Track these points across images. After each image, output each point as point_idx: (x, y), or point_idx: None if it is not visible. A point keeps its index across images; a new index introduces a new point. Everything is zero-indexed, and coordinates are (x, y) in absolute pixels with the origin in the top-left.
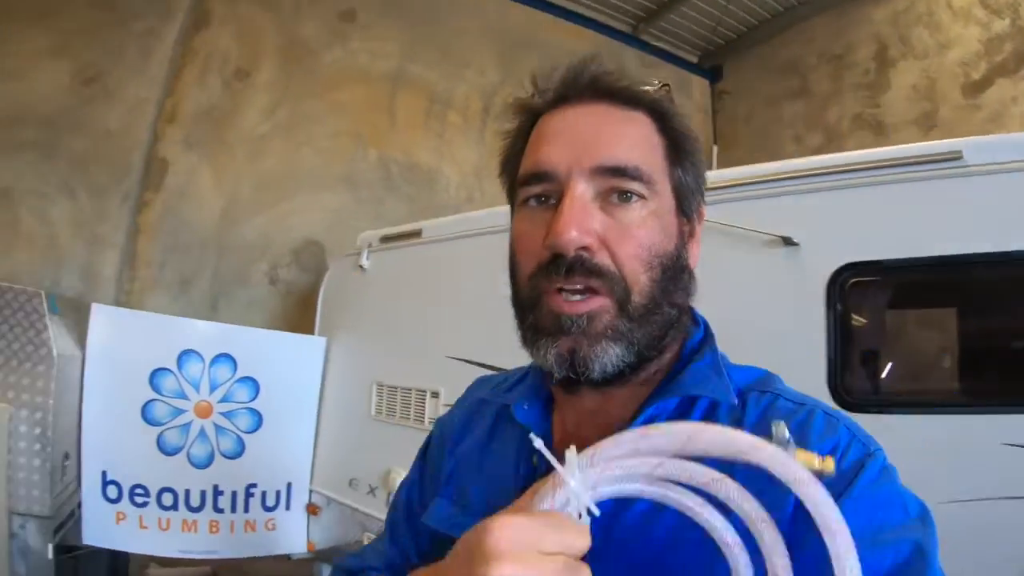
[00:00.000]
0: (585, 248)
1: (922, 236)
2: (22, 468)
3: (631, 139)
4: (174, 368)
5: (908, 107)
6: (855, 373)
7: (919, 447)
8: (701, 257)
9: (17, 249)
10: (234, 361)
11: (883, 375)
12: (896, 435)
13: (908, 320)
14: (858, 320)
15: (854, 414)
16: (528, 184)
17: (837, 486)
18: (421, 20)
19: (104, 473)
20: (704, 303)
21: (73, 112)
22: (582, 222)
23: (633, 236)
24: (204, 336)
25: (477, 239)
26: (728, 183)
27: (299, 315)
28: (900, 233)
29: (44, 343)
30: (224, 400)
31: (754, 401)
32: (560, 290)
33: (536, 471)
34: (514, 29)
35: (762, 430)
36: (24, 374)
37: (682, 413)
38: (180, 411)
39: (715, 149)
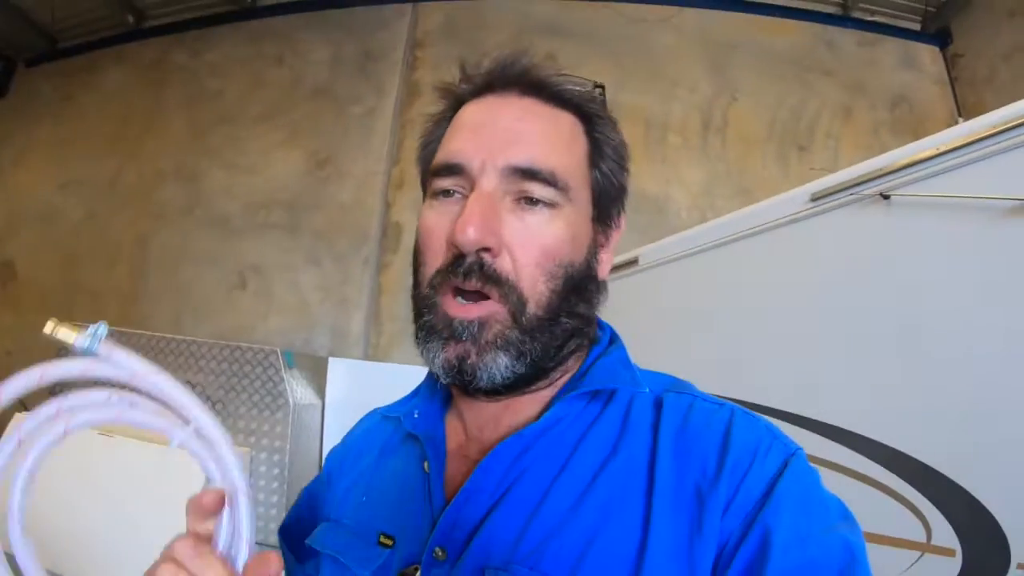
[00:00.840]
0: (487, 250)
1: None
2: (261, 504)
3: (552, 140)
4: None
5: None
6: None
7: None
8: (930, 248)
9: (273, 315)
10: None
11: None
12: None
13: None
14: None
15: None
16: (439, 175)
17: (760, 487)
18: (622, 49)
19: None
20: (943, 306)
21: (311, 193)
22: (486, 222)
23: (537, 243)
24: None
25: (703, 256)
26: (949, 146)
27: None
28: None
29: (281, 394)
30: None
31: (672, 402)
32: (456, 291)
33: (428, 477)
34: (717, 37)
35: (685, 432)
36: (264, 421)
37: (594, 410)
38: None
39: (959, 122)
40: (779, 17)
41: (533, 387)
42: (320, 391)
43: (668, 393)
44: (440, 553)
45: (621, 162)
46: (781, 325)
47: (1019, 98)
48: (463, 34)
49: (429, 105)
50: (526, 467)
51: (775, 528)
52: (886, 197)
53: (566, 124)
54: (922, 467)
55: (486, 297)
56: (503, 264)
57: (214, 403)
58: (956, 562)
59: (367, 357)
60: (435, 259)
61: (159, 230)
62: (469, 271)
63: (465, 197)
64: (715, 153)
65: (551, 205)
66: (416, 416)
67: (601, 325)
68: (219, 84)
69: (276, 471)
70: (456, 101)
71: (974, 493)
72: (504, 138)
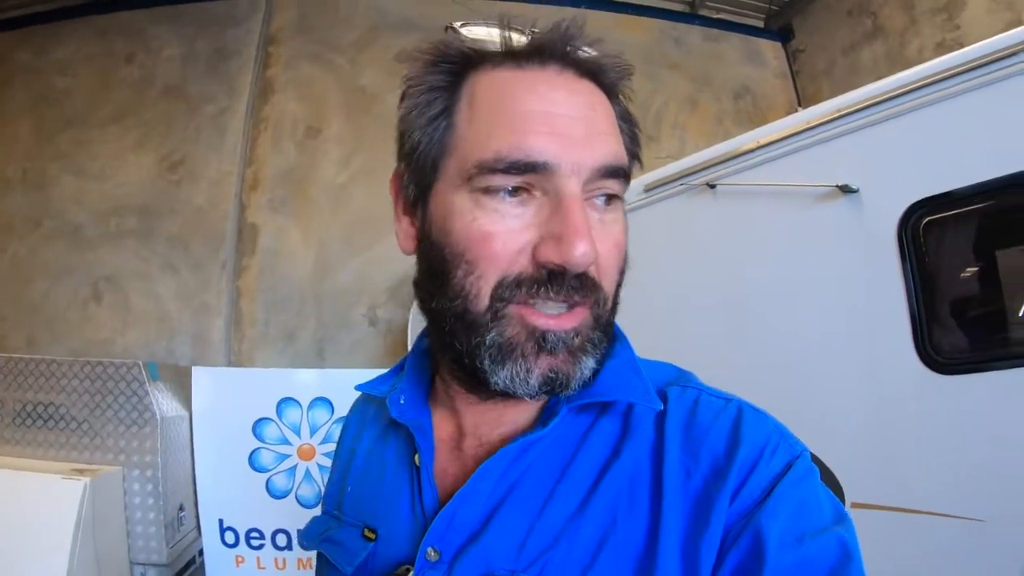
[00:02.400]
0: None
1: (1006, 151)
2: (139, 522)
3: (615, 129)
4: (274, 417)
5: (991, 22)
6: (945, 328)
7: None
8: (749, 230)
9: (130, 327)
10: (331, 404)
11: (983, 326)
12: (1007, 394)
13: (1009, 257)
14: (941, 266)
15: (949, 376)
16: (504, 171)
17: (762, 485)
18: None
19: (221, 521)
20: (762, 279)
21: (164, 196)
22: (591, 236)
23: (616, 243)
24: (299, 383)
25: None
26: (769, 139)
27: (402, 351)
28: (978, 153)
29: (147, 408)
30: (325, 441)
31: (676, 397)
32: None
33: (419, 472)
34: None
35: (692, 428)
36: (132, 437)
37: (592, 419)
38: (284, 456)
39: (799, 111)
40: (633, 14)
41: None
42: (186, 402)
43: (671, 387)
44: (433, 554)
45: (635, 137)
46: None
47: (853, 85)
48: (317, 31)
49: (290, 103)
50: (525, 469)
51: (771, 527)
52: (712, 187)
53: (607, 105)
54: None
55: (574, 305)
56: (593, 271)
57: (79, 423)
58: None
59: (230, 364)
60: (497, 268)
61: (5, 243)
62: (578, 287)
63: (536, 198)
64: None
65: (620, 200)
66: (402, 402)
67: None
68: (67, 83)
69: (150, 487)
70: (462, 63)
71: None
72: (589, 131)
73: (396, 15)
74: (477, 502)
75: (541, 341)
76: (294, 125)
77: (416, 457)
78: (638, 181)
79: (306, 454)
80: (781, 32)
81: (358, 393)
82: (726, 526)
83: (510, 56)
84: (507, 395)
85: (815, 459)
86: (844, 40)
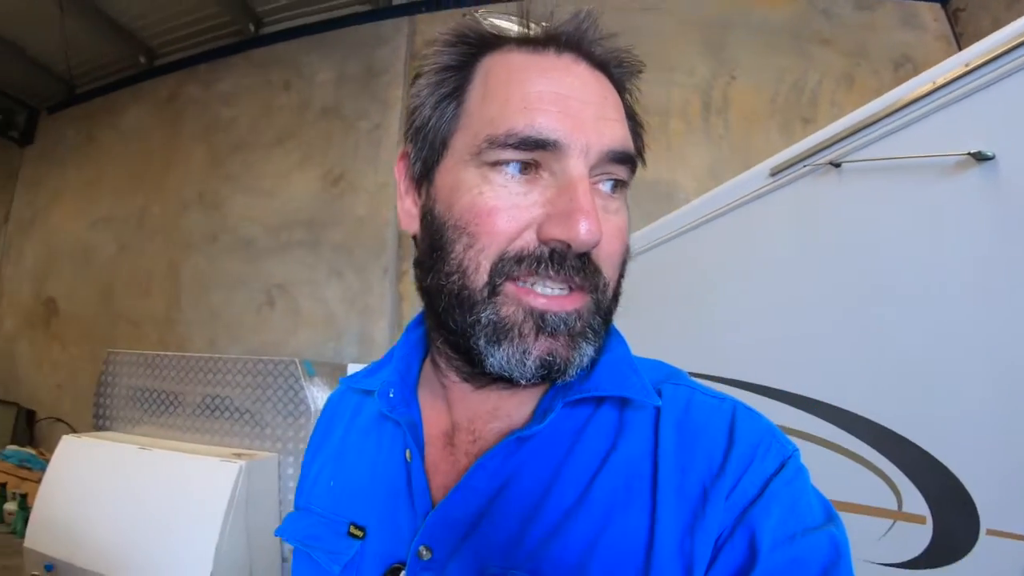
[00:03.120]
0: None
1: None
2: (291, 504)
3: (623, 117)
4: None
5: None
6: None
7: None
8: (875, 214)
9: (301, 329)
10: None
11: None
12: None
13: None
14: None
15: None
16: (515, 147)
17: (756, 485)
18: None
19: None
20: (886, 269)
21: (327, 209)
22: (598, 217)
23: (618, 231)
24: None
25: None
26: (890, 108)
27: None
28: None
29: (303, 400)
30: None
31: (670, 395)
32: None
33: (410, 467)
34: (709, 17)
35: (686, 426)
36: (288, 427)
37: (588, 414)
38: None
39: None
40: None
41: None
42: None
43: (664, 384)
44: (425, 553)
45: (640, 131)
46: (749, 299)
47: None
48: None
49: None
50: (520, 465)
51: (763, 527)
52: (836, 165)
53: (617, 97)
54: (892, 435)
55: (577, 288)
56: (595, 254)
57: (242, 413)
58: (927, 529)
59: None
60: (499, 243)
61: (187, 257)
62: (579, 268)
63: (543, 178)
64: (718, 134)
65: (626, 187)
66: (392, 396)
67: None
68: (232, 112)
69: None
70: (479, 45)
71: (942, 460)
72: (598, 115)
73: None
74: (471, 499)
75: (540, 322)
76: None
77: (408, 453)
78: (764, 165)
79: None
80: None
81: None
82: (720, 524)
83: (526, 42)
84: (502, 381)
85: (949, 478)
86: None
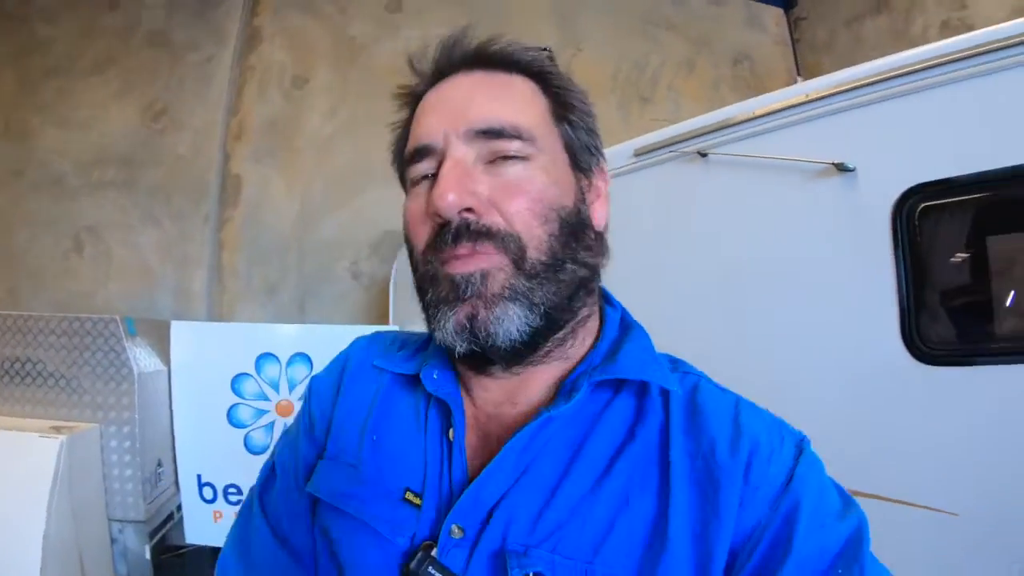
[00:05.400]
0: (470, 210)
1: (1008, 141)
2: (116, 479)
3: (507, 100)
4: (253, 372)
5: (998, 3)
6: (936, 319)
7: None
8: (740, 203)
9: (112, 280)
10: (309, 359)
11: (973, 319)
12: (994, 390)
13: (1002, 248)
14: (933, 254)
15: (935, 367)
16: (413, 162)
17: (782, 475)
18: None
19: (199, 476)
20: (748, 251)
21: (147, 146)
22: (462, 184)
23: (523, 191)
24: (279, 339)
25: None
26: (765, 110)
27: (384, 306)
28: (981, 141)
29: (125, 363)
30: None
31: (678, 382)
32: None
33: (453, 447)
34: None
35: (694, 414)
36: (109, 394)
37: (609, 397)
38: (263, 412)
39: (798, 81)
40: None
41: (551, 353)
42: (165, 357)
43: (672, 372)
44: (457, 531)
45: (585, 110)
46: (607, 271)
47: (856, 62)
48: None
49: (277, 51)
50: (543, 446)
51: (798, 516)
52: (703, 155)
53: (519, 85)
54: None
55: (480, 253)
56: (492, 219)
57: (56, 379)
58: None
59: (211, 317)
60: (419, 239)
61: None
62: (458, 235)
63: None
64: None
65: (524, 158)
66: (435, 377)
67: (611, 300)
68: (50, 32)
69: (127, 443)
70: (415, 100)
71: None
72: (461, 107)
73: None
74: (501, 479)
75: (453, 287)
76: (280, 74)
77: (451, 432)
78: (627, 145)
79: (284, 410)
80: None
81: (335, 346)
82: (755, 515)
83: (427, 82)
84: (483, 362)
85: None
86: (847, 11)
